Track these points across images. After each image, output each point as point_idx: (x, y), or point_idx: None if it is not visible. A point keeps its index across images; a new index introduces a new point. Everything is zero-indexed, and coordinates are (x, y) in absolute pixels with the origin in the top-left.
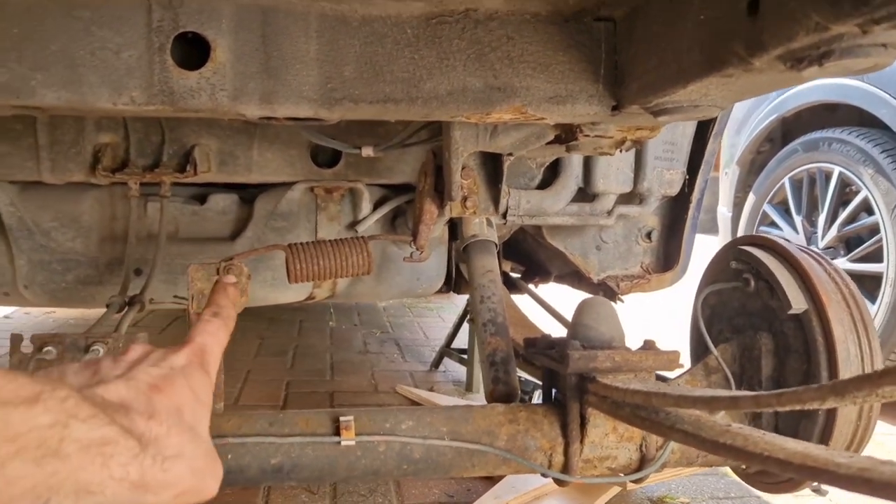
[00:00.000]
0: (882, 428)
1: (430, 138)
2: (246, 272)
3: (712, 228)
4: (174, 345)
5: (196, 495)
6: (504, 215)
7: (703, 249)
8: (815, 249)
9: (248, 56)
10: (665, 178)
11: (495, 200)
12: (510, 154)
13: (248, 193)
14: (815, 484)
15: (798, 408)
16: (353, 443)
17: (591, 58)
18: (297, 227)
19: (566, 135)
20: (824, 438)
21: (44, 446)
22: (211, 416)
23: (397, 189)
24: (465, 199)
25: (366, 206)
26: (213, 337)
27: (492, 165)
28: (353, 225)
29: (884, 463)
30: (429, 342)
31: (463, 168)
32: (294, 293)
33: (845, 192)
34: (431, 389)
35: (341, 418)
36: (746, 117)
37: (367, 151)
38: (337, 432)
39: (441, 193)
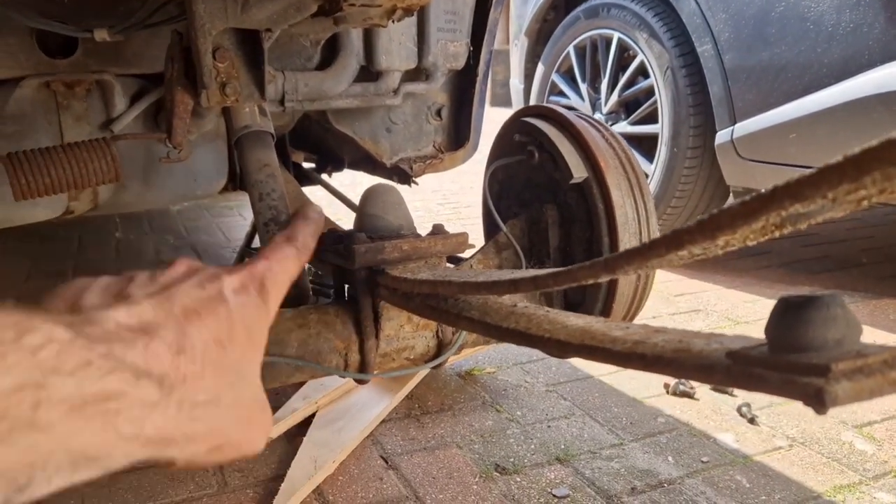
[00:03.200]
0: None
1: (176, 17)
2: None
3: (510, 101)
4: None
5: (236, 450)
6: (282, 101)
7: (502, 121)
8: (592, 116)
9: None
10: (450, 50)
11: (259, 85)
12: (269, 30)
13: None
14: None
15: (574, 285)
16: None
17: None
18: (36, 130)
19: (330, 5)
20: (608, 300)
21: (9, 418)
22: None
23: (157, 80)
24: (223, 85)
25: (119, 102)
26: (281, 264)
27: (251, 44)
28: (107, 124)
29: (657, 332)
30: (229, 244)
31: (217, 49)
32: (45, 210)
33: (624, 57)
34: None
35: None
36: None
37: (102, 35)
38: None
39: (194, 80)
